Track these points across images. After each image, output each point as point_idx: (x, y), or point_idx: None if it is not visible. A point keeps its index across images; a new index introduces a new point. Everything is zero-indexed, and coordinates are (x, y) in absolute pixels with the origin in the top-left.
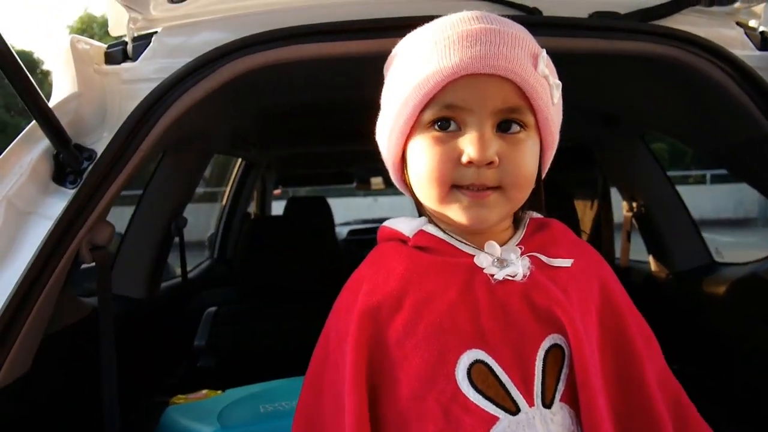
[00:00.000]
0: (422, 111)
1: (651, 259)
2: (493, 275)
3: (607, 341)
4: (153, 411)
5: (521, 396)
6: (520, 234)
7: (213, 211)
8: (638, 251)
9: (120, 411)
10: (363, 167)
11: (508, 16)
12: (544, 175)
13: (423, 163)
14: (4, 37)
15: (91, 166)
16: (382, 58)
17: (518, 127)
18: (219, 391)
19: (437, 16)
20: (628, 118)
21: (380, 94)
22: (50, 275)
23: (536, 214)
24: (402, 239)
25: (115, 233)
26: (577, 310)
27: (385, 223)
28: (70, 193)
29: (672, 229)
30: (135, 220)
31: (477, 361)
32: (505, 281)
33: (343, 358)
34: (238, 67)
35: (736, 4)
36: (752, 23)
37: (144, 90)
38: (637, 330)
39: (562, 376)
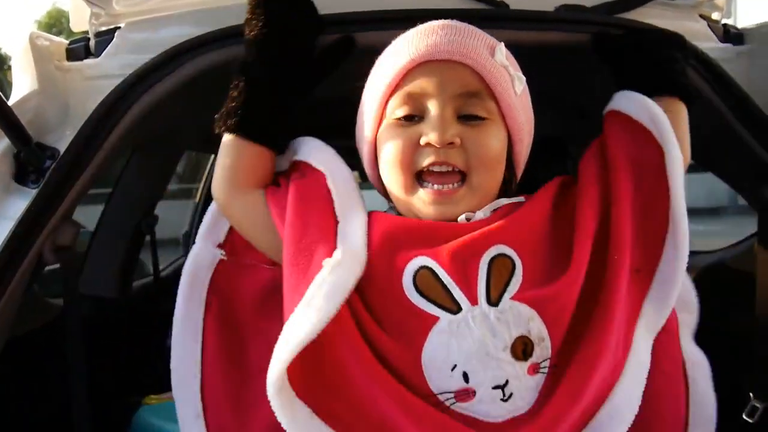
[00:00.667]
0: (387, 104)
1: None
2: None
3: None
4: (126, 411)
5: (463, 295)
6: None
7: (187, 207)
8: None
9: (92, 413)
10: None
11: (477, 10)
12: (519, 174)
13: (387, 151)
14: None
15: (53, 165)
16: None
17: (480, 118)
18: None
19: (410, 10)
20: (599, 111)
21: (350, 89)
22: (12, 277)
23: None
24: None
25: (86, 232)
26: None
27: None
28: (32, 192)
29: None
30: (104, 219)
31: (422, 267)
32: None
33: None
34: (204, 62)
35: None
36: (715, 16)
37: (107, 87)
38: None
39: (513, 279)
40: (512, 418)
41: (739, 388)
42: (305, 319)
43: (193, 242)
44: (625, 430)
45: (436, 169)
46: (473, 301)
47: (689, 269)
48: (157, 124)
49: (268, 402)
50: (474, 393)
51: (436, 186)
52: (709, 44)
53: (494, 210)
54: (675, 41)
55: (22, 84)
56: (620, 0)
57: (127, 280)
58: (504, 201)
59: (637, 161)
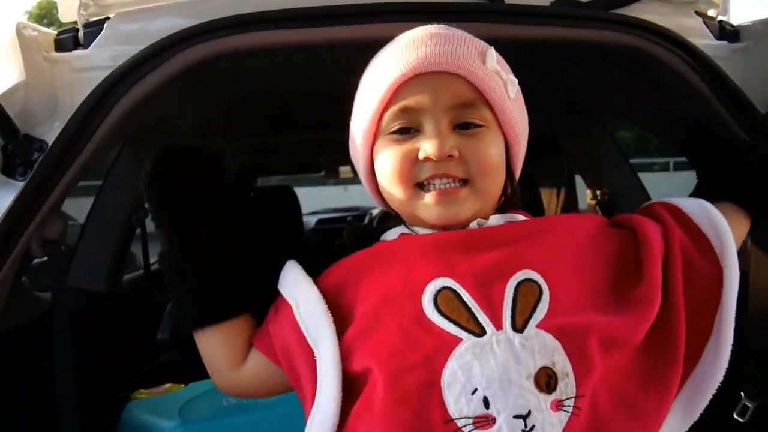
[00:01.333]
0: (382, 118)
1: None
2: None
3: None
4: (115, 407)
5: (488, 319)
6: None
7: None
8: None
9: (79, 408)
10: (331, 156)
11: (470, 5)
12: (518, 175)
13: (385, 166)
14: None
15: (41, 158)
16: (347, 46)
17: (476, 126)
18: (182, 385)
19: (404, 3)
20: (592, 107)
21: (346, 83)
22: None
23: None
24: None
25: (77, 225)
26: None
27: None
28: (20, 185)
29: None
30: (94, 213)
31: (444, 288)
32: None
33: None
34: (194, 54)
35: None
36: (711, 12)
37: (96, 78)
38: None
39: (540, 306)
40: None
41: (731, 387)
42: None
43: None
44: None
45: (437, 182)
46: (498, 325)
47: None
48: (148, 117)
49: None
50: (494, 420)
51: (438, 185)
52: (704, 41)
53: (507, 220)
54: None
55: (9, 75)
56: None
57: (118, 273)
58: (520, 217)
59: (693, 264)
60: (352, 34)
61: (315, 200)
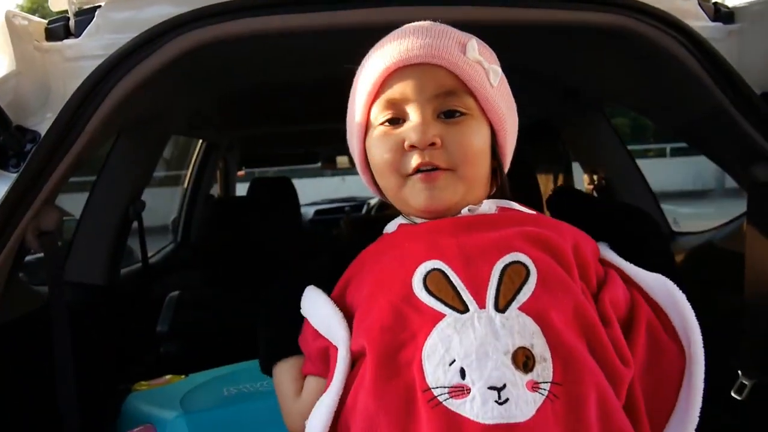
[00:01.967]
0: (371, 111)
1: None
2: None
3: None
4: (115, 399)
5: (472, 298)
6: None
7: (176, 194)
8: None
9: (80, 401)
10: (329, 146)
11: None
12: (508, 163)
13: (376, 157)
14: None
15: (34, 149)
16: (343, 32)
17: (460, 114)
18: (182, 376)
19: None
20: (588, 91)
21: (344, 71)
22: None
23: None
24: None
25: (72, 219)
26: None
27: None
28: (13, 176)
29: (632, 201)
30: (90, 205)
31: (434, 269)
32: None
33: None
34: (188, 41)
35: None
36: None
37: (88, 68)
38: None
39: (524, 289)
40: (506, 424)
41: (728, 366)
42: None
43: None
44: None
45: (422, 169)
46: (481, 304)
47: (678, 250)
48: (142, 107)
49: None
50: (469, 390)
51: (423, 170)
52: (699, 23)
53: (500, 207)
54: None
55: (0, 65)
56: None
57: (115, 266)
58: (516, 205)
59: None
60: (347, 20)
61: (312, 191)
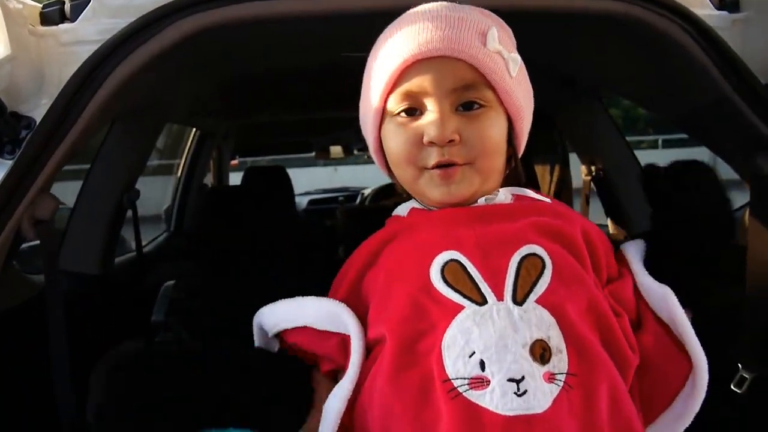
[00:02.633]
0: (388, 101)
1: (609, 222)
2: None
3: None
4: None
5: (490, 290)
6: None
7: (170, 183)
8: (597, 214)
9: (75, 391)
10: (325, 135)
11: None
12: (521, 150)
13: (393, 148)
14: None
15: (29, 135)
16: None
17: (478, 106)
18: None
19: None
20: (586, 80)
21: (343, 58)
22: None
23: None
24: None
25: (66, 208)
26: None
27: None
28: (8, 163)
29: (629, 192)
30: (84, 193)
31: (451, 260)
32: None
33: None
34: (189, 26)
35: None
36: None
37: (84, 53)
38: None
39: (541, 281)
40: (524, 415)
41: (728, 359)
42: None
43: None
44: None
45: (440, 164)
46: (499, 296)
47: None
48: (140, 93)
49: None
50: (488, 382)
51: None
52: (704, 11)
53: (515, 195)
54: None
55: None
56: None
57: (110, 256)
58: (530, 192)
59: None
60: (353, 4)
61: (305, 181)
